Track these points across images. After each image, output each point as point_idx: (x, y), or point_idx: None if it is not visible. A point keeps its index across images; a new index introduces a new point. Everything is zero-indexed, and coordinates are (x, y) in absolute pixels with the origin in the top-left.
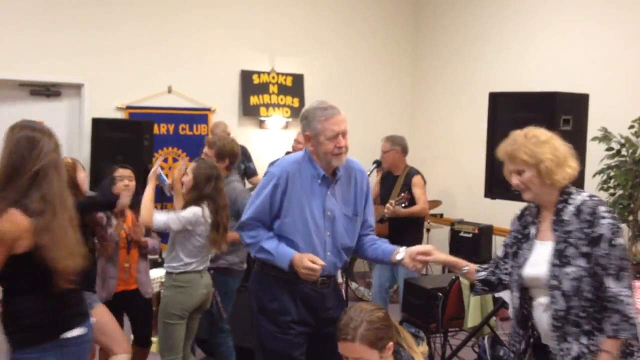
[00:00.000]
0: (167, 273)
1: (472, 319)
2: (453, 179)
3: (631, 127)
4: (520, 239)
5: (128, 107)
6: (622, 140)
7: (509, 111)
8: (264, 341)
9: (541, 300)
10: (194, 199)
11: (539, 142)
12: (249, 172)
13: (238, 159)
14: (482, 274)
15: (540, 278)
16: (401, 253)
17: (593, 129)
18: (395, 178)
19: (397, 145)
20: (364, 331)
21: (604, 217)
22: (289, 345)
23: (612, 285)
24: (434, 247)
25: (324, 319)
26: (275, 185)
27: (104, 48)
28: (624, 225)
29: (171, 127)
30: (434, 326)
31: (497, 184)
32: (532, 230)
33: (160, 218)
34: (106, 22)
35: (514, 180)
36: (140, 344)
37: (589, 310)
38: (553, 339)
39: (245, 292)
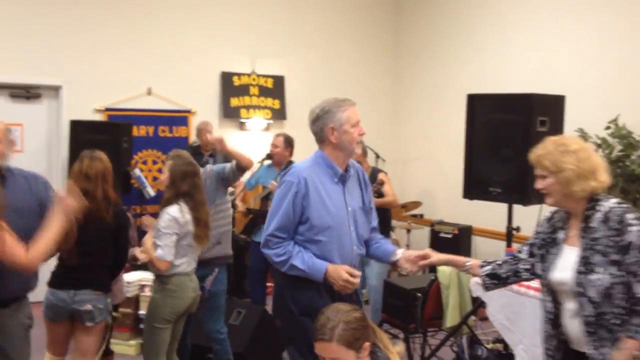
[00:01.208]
0: (157, 276)
1: (451, 319)
2: (433, 180)
3: (607, 128)
4: (549, 242)
5: (107, 109)
6: (599, 141)
7: (487, 112)
8: (298, 334)
9: (569, 306)
10: (171, 196)
11: (565, 151)
12: None
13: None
14: (487, 268)
15: (566, 283)
16: (398, 255)
17: (570, 130)
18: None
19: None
20: (341, 331)
21: (631, 225)
22: None
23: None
24: (431, 250)
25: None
26: (295, 192)
27: (82, 50)
28: None
29: (151, 129)
30: (414, 326)
31: (475, 185)
32: (561, 235)
33: (164, 255)
34: (85, 24)
35: (538, 185)
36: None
37: (623, 317)
38: (589, 344)
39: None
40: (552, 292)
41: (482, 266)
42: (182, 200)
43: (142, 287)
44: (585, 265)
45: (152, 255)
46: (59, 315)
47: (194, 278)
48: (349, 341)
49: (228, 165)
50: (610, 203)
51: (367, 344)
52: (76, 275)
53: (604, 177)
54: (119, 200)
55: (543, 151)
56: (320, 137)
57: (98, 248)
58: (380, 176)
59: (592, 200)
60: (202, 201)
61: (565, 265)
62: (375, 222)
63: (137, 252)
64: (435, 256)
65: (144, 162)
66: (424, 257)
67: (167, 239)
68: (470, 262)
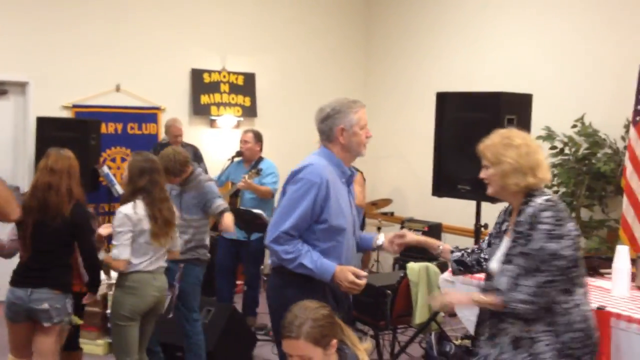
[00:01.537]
0: (118, 274)
1: (420, 315)
2: (403, 177)
3: (574, 126)
4: (497, 233)
5: (75, 106)
6: (565, 139)
7: (456, 111)
8: None
9: None
10: (129, 192)
11: (509, 144)
12: None
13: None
14: (456, 255)
15: (495, 272)
16: (381, 239)
17: (537, 128)
18: None
19: None
20: (309, 328)
21: (542, 223)
22: None
23: (522, 282)
24: (406, 230)
25: (347, 308)
26: (316, 193)
27: (50, 46)
28: None
29: (119, 127)
30: (383, 323)
31: (444, 183)
32: (504, 226)
33: (119, 254)
34: (52, 20)
35: (481, 174)
36: (68, 348)
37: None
38: (492, 323)
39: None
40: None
41: (452, 252)
42: (140, 196)
43: (110, 286)
44: (507, 256)
45: (105, 257)
46: (17, 314)
47: (159, 277)
48: (317, 338)
49: (214, 207)
50: (540, 200)
51: (334, 341)
52: (34, 273)
53: (543, 174)
54: (84, 199)
55: (489, 142)
56: (329, 137)
57: (54, 245)
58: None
59: (528, 195)
60: (162, 198)
61: (498, 256)
62: None
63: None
64: (410, 236)
65: (113, 160)
66: (401, 236)
67: (121, 238)
68: (442, 246)
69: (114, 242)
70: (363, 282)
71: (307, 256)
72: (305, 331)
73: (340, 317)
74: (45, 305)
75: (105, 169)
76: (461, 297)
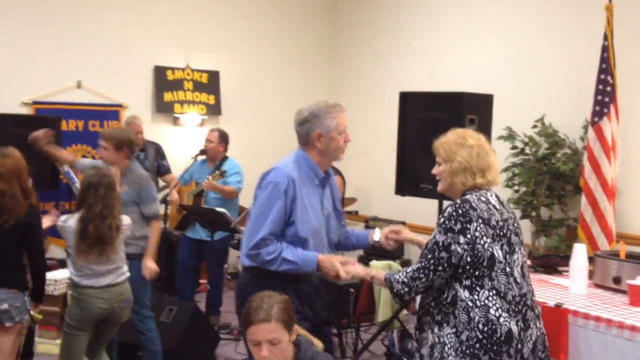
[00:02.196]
0: (70, 280)
1: (383, 313)
2: (368, 176)
3: (534, 126)
4: None
5: (35, 102)
6: (526, 139)
7: (419, 110)
8: None
9: None
10: (75, 205)
11: (462, 144)
12: (162, 170)
13: (134, 147)
14: None
15: None
16: (377, 234)
17: (498, 129)
18: None
19: None
20: (279, 310)
21: (441, 217)
22: None
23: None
24: (403, 227)
25: (317, 311)
26: (284, 193)
27: (8, 41)
28: (527, 221)
29: (80, 124)
30: (346, 321)
31: (407, 182)
32: None
33: None
34: (13, 15)
35: (433, 170)
36: (23, 355)
37: (437, 300)
38: (417, 327)
39: (156, 292)
40: None
41: None
42: (81, 210)
43: (69, 285)
44: None
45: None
46: None
47: (112, 290)
48: (285, 320)
49: (146, 211)
50: (461, 198)
51: (296, 327)
52: None
53: (493, 176)
54: (35, 196)
55: (443, 140)
56: (306, 141)
57: (9, 246)
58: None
59: (463, 194)
60: (104, 214)
61: None
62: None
63: None
64: (405, 233)
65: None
66: (396, 232)
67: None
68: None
69: None
70: (350, 271)
71: (289, 250)
72: (275, 313)
73: (316, 321)
74: (5, 306)
75: (65, 166)
76: (360, 269)
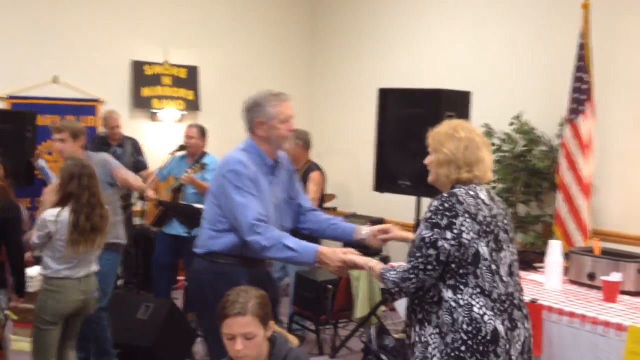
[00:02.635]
0: (43, 276)
1: (361, 309)
2: (347, 173)
3: (511, 124)
4: None
5: (10, 97)
6: (503, 137)
7: (397, 107)
8: None
9: None
10: (59, 198)
11: (452, 135)
12: (139, 166)
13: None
14: None
15: None
16: (365, 230)
17: (476, 126)
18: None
19: (299, 139)
20: (255, 305)
21: (428, 211)
22: None
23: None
24: (393, 225)
25: (271, 298)
26: (249, 177)
27: None
28: None
29: (56, 118)
30: (324, 318)
31: (385, 178)
32: None
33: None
34: None
35: (425, 159)
36: None
37: (422, 298)
38: (405, 323)
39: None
40: None
41: None
42: (69, 202)
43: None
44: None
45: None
46: None
47: (87, 281)
48: (261, 315)
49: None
50: (449, 192)
51: (272, 322)
52: None
53: (481, 172)
54: (9, 191)
55: (436, 129)
56: (250, 128)
57: None
58: (312, 175)
59: (452, 187)
60: (92, 203)
61: None
62: (308, 203)
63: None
64: (395, 232)
65: (49, 153)
66: (385, 231)
67: (38, 236)
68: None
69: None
70: (350, 258)
71: (288, 237)
72: (251, 307)
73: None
74: None
75: (41, 162)
76: (360, 259)
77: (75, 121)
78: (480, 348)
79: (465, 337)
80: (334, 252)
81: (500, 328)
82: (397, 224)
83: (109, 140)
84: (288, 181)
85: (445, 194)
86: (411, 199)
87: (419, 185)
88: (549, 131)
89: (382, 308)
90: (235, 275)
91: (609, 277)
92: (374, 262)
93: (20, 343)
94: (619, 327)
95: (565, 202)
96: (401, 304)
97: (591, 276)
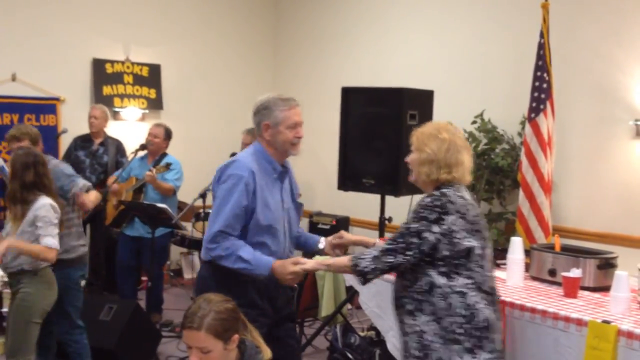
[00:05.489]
0: (27, 270)
1: (326, 308)
2: (312, 172)
3: (474, 122)
4: None
5: None
6: (466, 135)
7: (360, 106)
8: None
9: None
10: (17, 188)
11: (435, 136)
12: (121, 167)
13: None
14: None
15: None
16: (322, 243)
17: None
18: None
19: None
20: (211, 320)
21: (417, 206)
22: None
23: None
24: (344, 231)
25: (279, 307)
26: (245, 186)
27: None
28: None
29: (15, 117)
30: None
31: (349, 177)
32: None
33: (55, 243)
34: None
35: (407, 158)
36: None
37: (410, 288)
38: (395, 316)
39: (96, 290)
40: None
41: None
42: (36, 190)
43: (5, 284)
44: None
45: (31, 247)
46: None
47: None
48: (218, 331)
49: (77, 187)
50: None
51: (236, 337)
52: None
53: (460, 174)
54: None
55: (421, 129)
56: (258, 131)
57: None
58: None
59: (437, 188)
60: (52, 188)
61: None
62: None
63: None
64: (347, 236)
65: (9, 152)
66: (339, 237)
67: (53, 229)
68: (378, 241)
69: (43, 233)
70: (301, 269)
71: (245, 249)
72: (206, 323)
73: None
74: None
75: (0, 161)
76: (313, 262)
77: (30, 126)
78: (477, 333)
79: (461, 320)
80: (283, 266)
81: (491, 317)
82: (362, 222)
83: (92, 138)
84: (290, 187)
85: (436, 193)
86: (376, 197)
87: (383, 184)
88: (511, 130)
89: (348, 306)
90: (240, 282)
91: (569, 273)
92: (331, 259)
93: None
94: (579, 323)
95: (527, 199)
96: (368, 302)
97: (552, 272)
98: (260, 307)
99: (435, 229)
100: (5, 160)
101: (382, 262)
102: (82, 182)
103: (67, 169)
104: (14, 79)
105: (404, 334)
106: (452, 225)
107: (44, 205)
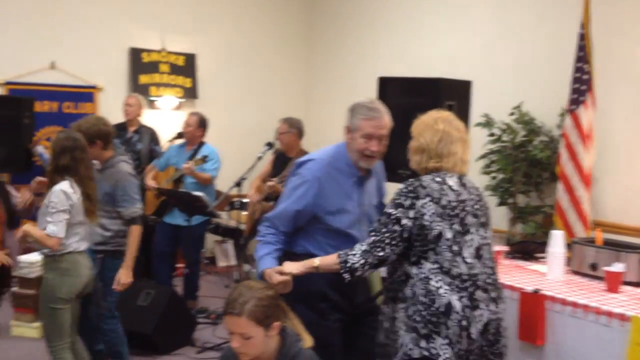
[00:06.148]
0: (49, 255)
1: None
2: None
3: (511, 114)
4: None
5: (8, 83)
6: (504, 127)
7: (397, 96)
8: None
9: None
10: (51, 171)
11: (431, 126)
12: (154, 156)
13: (111, 136)
14: None
15: None
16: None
17: (476, 115)
18: (288, 160)
19: (294, 128)
20: (252, 307)
21: (393, 195)
22: (328, 332)
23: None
24: (284, 264)
25: (358, 304)
26: (305, 191)
27: None
28: (503, 208)
29: (54, 105)
30: None
31: (385, 168)
32: None
33: (57, 231)
34: None
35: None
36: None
37: (390, 279)
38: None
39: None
40: None
41: None
42: (67, 175)
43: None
44: None
45: (37, 233)
46: None
47: (87, 257)
48: (259, 318)
49: (125, 213)
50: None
51: (277, 323)
52: None
53: (449, 164)
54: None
55: (421, 118)
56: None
57: None
58: None
59: (425, 174)
60: (88, 175)
61: None
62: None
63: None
64: (289, 268)
65: (48, 139)
66: (280, 272)
67: (60, 216)
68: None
69: (49, 219)
70: (283, 279)
71: (264, 247)
72: (247, 309)
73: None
74: None
75: (39, 148)
76: (298, 265)
77: (91, 120)
78: (434, 319)
79: (421, 308)
80: (269, 276)
81: (456, 304)
82: None
83: (126, 126)
84: (377, 186)
85: (411, 179)
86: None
87: (419, 175)
88: (550, 121)
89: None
90: (311, 276)
91: (611, 267)
92: (317, 260)
93: (21, 329)
94: (622, 318)
95: (566, 192)
96: None
97: (593, 267)
98: (332, 300)
99: (411, 213)
100: (45, 148)
101: (373, 256)
102: (130, 210)
103: (131, 188)
104: (53, 67)
105: (380, 320)
106: (422, 208)
107: (56, 191)
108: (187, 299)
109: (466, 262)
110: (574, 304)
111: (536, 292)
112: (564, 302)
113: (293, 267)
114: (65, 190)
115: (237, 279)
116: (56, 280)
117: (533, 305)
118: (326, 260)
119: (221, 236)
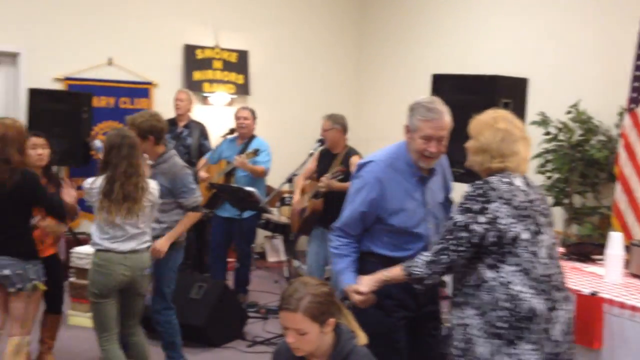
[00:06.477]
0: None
1: None
2: None
3: (568, 112)
4: None
5: (67, 79)
6: (560, 125)
7: (451, 93)
8: (367, 324)
9: None
10: (100, 167)
11: (491, 125)
12: (203, 151)
13: (164, 132)
14: None
15: None
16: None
17: (532, 114)
18: (334, 156)
19: (337, 124)
20: (308, 303)
21: (461, 199)
22: (393, 328)
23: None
24: (359, 280)
25: (422, 302)
26: (367, 193)
27: (42, 16)
28: (559, 208)
29: (111, 100)
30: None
31: None
32: None
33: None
34: None
35: (466, 143)
36: (49, 310)
37: (460, 282)
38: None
39: (186, 269)
40: None
41: None
42: (107, 170)
43: None
44: None
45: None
46: None
47: (133, 257)
48: (314, 314)
49: (187, 203)
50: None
51: (332, 320)
52: None
53: (514, 164)
54: (23, 165)
55: (479, 117)
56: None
57: (3, 215)
58: (353, 159)
59: (488, 175)
60: (129, 173)
61: None
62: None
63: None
64: (365, 284)
65: (105, 134)
66: (356, 291)
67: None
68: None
69: None
70: (361, 298)
71: (339, 261)
72: (303, 305)
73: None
74: (7, 272)
75: (97, 142)
76: (372, 279)
77: (145, 115)
78: (518, 324)
79: (504, 314)
80: (351, 296)
81: (539, 307)
82: None
83: (176, 121)
84: (442, 181)
85: (478, 182)
86: (464, 187)
87: (473, 173)
88: (607, 121)
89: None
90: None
91: None
92: (385, 272)
93: (77, 318)
94: None
95: (625, 194)
96: None
97: None
98: (398, 298)
99: (481, 219)
100: (102, 142)
101: (438, 265)
102: (191, 200)
103: (187, 179)
104: (110, 63)
105: (451, 325)
106: (496, 212)
107: (84, 184)
108: (238, 292)
109: (542, 263)
110: (633, 308)
111: (594, 294)
112: (622, 306)
113: (367, 285)
114: (87, 187)
115: (287, 276)
116: (91, 275)
117: (590, 308)
118: (392, 273)
119: (271, 232)
